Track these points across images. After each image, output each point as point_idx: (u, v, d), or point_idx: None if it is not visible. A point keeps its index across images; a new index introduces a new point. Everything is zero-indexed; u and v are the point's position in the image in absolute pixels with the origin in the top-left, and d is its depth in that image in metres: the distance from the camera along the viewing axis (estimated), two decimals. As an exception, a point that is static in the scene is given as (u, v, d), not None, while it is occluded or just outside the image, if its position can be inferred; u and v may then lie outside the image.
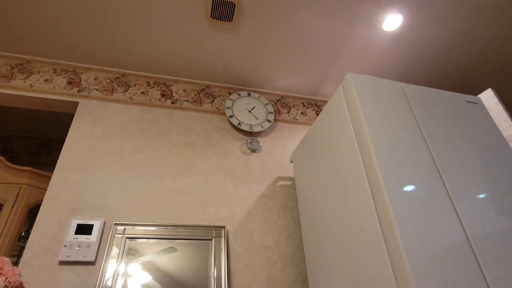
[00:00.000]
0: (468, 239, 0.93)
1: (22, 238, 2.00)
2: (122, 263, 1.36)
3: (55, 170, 1.54)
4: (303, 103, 2.28)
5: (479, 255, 0.91)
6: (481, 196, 1.05)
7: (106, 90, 1.89)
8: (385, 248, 0.92)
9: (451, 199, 1.00)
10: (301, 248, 1.66)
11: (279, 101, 2.23)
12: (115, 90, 1.91)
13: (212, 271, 1.43)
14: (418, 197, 0.97)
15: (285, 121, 2.15)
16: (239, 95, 2.10)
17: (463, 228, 0.95)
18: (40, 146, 2.62)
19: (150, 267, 1.38)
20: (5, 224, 1.77)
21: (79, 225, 1.41)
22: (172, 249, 1.44)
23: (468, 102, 1.34)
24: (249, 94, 2.13)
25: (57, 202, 1.46)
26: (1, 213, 1.81)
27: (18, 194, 1.88)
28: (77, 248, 1.35)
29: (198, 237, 1.51)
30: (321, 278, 1.29)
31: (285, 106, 2.22)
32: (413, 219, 0.92)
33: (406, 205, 0.94)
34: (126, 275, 1.34)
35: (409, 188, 0.98)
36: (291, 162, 1.78)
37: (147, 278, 1.35)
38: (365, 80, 1.23)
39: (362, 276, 1.01)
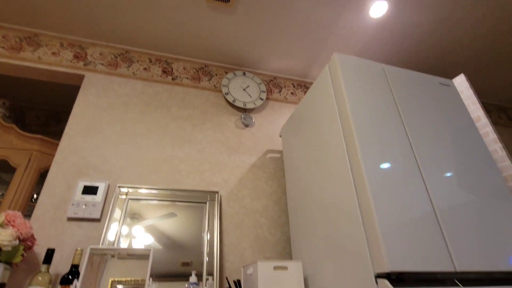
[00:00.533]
0: (434, 211, 0.95)
1: (35, 200, 2.00)
2: (125, 224, 1.37)
3: (63, 135, 1.52)
4: (293, 84, 2.25)
5: (443, 224, 0.93)
6: (449, 172, 1.06)
7: (110, 65, 1.84)
8: (360, 217, 0.93)
9: (421, 175, 1.01)
10: (286, 212, 1.69)
11: (271, 81, 2.20)
12: (119, 65, 1.86)
13: (206, 230, 1.45)
14: (392, 171, 0.98)
15: (276, 100, 2.13)
16: (235, 74, 2.07)
17: (431, 201, 0.96)
18: (50, 117, 2.57)
19: (152, 230, 1.39)
20: (18, 186, 1.76)
21: (85, 187, 1.40)
22: (172, 215, 1.45)
23: (442, 84, 1.33)
24: (244, 74, 2.09)
25: (65, 165, 1.45)
26: (14, 176, 1.79)
27: (29, 160, 1.85)
28: (83, 206, 1.35)
29: (194, 200, 1.52)
30: (302, 239, 1.32)
31: (277, 86, 2.19)
32: (387, 191, 0.92)
33: (381, 177, 0.95)
34: (130, 236, 1.35)
35: (384, 162, 0.99)
36: (280, 136, 1.78)
37: (150, 239, 1.36)
38: (349, 60, 1.21)
39: (338, 238, 1.03)
